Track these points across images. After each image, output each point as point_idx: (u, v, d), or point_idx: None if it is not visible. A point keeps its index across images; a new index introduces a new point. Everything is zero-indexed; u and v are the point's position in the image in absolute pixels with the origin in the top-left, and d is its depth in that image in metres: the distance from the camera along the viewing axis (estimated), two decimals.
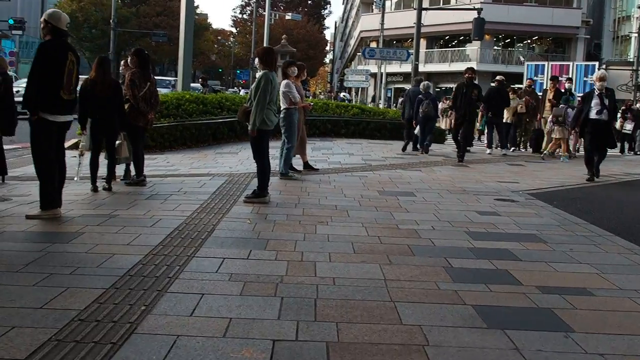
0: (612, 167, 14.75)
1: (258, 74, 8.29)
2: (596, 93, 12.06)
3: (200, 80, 23.24)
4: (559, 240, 6.66)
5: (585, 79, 32.68)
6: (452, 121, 17.82)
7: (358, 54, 54.31)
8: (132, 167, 9.61)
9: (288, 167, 10.50)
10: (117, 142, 9.03)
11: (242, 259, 5.37)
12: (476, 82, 15.19)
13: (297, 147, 11.21)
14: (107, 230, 6.30)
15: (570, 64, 39.58)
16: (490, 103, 16.66)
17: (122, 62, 10.04)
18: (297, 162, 11.53)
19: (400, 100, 26.31)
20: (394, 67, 47.16)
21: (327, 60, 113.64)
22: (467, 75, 14.71)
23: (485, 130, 18.96)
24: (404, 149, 16.31)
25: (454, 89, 15.44)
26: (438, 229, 6.96)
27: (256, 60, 8.19)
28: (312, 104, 11.80)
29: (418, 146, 16.21)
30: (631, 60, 46.23)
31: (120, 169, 9.61)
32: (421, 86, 15.93)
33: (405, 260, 5.56)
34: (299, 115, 10.79)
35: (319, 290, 4.60)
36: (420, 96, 15.62)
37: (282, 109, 10.47)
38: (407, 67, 43.51)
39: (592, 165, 12.19)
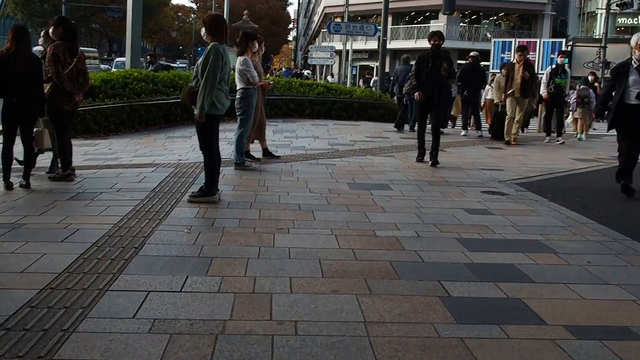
0: (596, 150, 13.68)
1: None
2: (634, 66, 8.25)
3: (148, 57, 21.57)
4: (570, 249, 5.45)
5: (552, 55, 31.60)
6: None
7: (322, 30, 52.71)
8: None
9: (243, 155, 9.13)
10: (36, 129, 7.58)
11: (173, 291, 4.03)
12: (446, 52, 11.12)
13: (255, 131, 9.87)
14: (1, 249, 4.90)
15: (537, 40, 38.58)
16: (465, 81, 15.45)
17: (41, 33, 8.51)
18: (256, 149, 10.19)
19: (370, 80, 25.19)
20: (360, 44, 45.76)
21: (290, 37, 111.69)
22: (432, 41, 10.36)
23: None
24: (398, 127, 16.30)
25: (414, 63, 10.74)
26: (424, 236, 5.70)
27: (202, 30, 6.79)
28: (271, 82, 10.44)
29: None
30: (597, 37, 45.53)
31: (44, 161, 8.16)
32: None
33: (389, 286, 4.28)
34: (258, 96, 9.43)
35: (275, 346, 3.28)
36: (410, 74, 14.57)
37: (238, 88, 9.10)
38: (372, 44, 42.18)
39: (630, 174, 8.52)
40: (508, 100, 13.87)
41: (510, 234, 5.89)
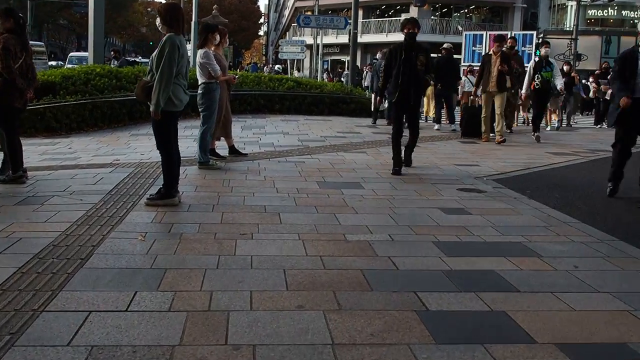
0: (572, 142, 13.41)
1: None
2: None
3: (112, 52, 20.92)
4: (555, 251, 5.09)
5: (523, 48, 31.38)
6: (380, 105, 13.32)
7: (293, 24, 52.18)
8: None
9: (208, 154, 8.66)
10: None
11: (118, 311, 3.57)
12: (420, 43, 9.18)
13: (221, 128, 9.41)
14: None
15: (508, 33, 38.47)
16: (439, 74, 15.07)
17: None
18: (223, 146, 9.73)
19: (342, 73, 24.83)
20: (330, 38, 45.37)
21: (261, 32, 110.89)
22: (406, 30, 8.74)
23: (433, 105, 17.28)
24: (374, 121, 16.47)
25: (385, 55, 9.28)
26: (398, 240, 5.30)
27: (157, 20, 6.31)
28: (236, 76, 9.97)
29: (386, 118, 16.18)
30: (568, 29, 45.63)
31: None
32: None
33: (361, 300, 3.87)
34: (222, 91, 8.96)
35: None
36: None
37: (199, 83, 8.63)
38: (343, 38, 41.78)
39: (620, 175, 7.81)
40: (483, 97, 12.82)
41: (490, 236, 5.52)
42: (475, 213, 6.39)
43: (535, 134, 13.45)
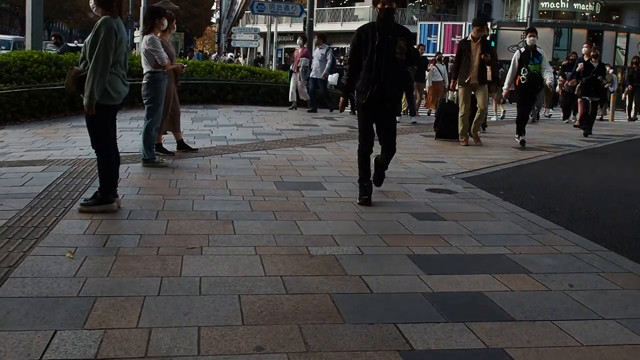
0: (535, 137, 12.98)
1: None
2: None
3: (52, 37, 19.77)
4: (544, 266, 4.52)
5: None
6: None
7: (246, 12, 51.16)
8: None
9: (153, 150, 7.89)
10: None
11: None
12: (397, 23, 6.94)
13: (168, 121, 8.63)
14: None
15: (463, 24, 38.33)
16: None
17: None
18: (171, 140, 8.96)
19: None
20: (285, 27, 44.49)
21: (213, 19, 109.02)
22: (380, 5, 6.20)
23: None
24: (353, 112, 15.97)
25: (353, 39, 6.46)
26: (369, 253, 4.66)
27: (91, 1, 5.52)
28: (185, 65, 9.18)
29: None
30: (521, 21, 45.66)
31: None
32: None
33: (332, 337, 3.21)
34: (169, 81, 8.19)
35: None
36: None
37: (145, 72, 7.84)
38: (298, 27, 40.96)
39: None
40: (460, 91, 10.94)
41: (470, 247, 4.92)
42: (449, 218, 5.79)
43: (520, 137, 11.42)
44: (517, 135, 11.49)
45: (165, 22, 8.00)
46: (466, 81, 10.72)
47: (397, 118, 14.60)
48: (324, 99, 16.65)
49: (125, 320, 3.31)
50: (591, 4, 43.99)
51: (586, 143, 12.30)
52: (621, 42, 41.48)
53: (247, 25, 44.90)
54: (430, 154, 9.90)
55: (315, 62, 16.01)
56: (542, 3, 46.03)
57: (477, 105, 10.96)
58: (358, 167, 6.52)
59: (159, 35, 8.04)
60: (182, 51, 49.08)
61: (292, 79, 16.82)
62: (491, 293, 3.92)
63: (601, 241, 5.27)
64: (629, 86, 20.01)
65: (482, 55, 10.59)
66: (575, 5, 44.98)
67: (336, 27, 45.67)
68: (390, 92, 6.26)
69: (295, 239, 4.92)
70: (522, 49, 11.48)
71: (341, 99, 6.86)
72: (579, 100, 15.04)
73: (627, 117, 20.30)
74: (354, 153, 9.34)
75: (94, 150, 5.67)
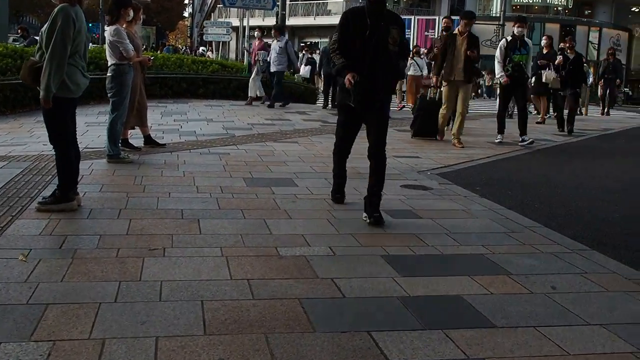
0: (512, 130, 12.83)
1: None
2: None
3: (19, 30, 19.25)
4: (525, 266, 4.33)
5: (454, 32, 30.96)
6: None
7: (219, 5, 50.59)
8: None
9: (118, 145, 7.58)
10: None
11: None
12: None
13: (135, 116, 8.34)
14: None
15: (437, 18, 38.25)
16: None
17: None
18: (139, 135, 8.65)
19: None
20: (257, 21, 44.03)
21: (186, 13, 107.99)
22: None
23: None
24: (325, 106, 16.52)
25: (340, 23, 5.54)
26: (341, 253, 4.44)
27: None
28: (152, 57, 8.86)
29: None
30: (494, 15, 45.77)
31: None
32: None
33: (301, 347, 2.98)
34: (135, 74, 7.88)
35: None
36: None
37: (109, 65, 7.54)
38: (270, 21, 40.60)
39: None
40: (444, 89, 10.22)
41: (447, 246, 4.72)
42: (425, 216, 5.59)
43: (499, 136, 10.91)
44: (498, 135, 10.92)
45: (131, 13, 7.69)
46: (451, 79, 9.99)
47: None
48: (278, 92, 15.60)
49: (77, 330, 3.05)
50: None
51: (562, 138, 12.20)
52: (593, 36, 41.76)
53: (220, 19, 44.35)
54: (404, 148, 9.70)
55: (272, 55, 15.32)
56: None
57: (457, 107, 10.25)
58: (333, 162, 6.07)
59: (124, 26, 7.74)
60: (153, 45, 48.48)
61: (252, 72, 16.18)
62: (470, 297, 3.71)
63: (582, 239, 5.11)
64: (601, 81, 19.88)
65: (468, 52, 9.83)
66: None
67: (309, 21, 45.47)
68: (382, 90, 5.45)
69: (264, 239, 4.68)
70: (509, 38, 10.72)
71: (349, 75, 5.25)
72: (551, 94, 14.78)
73: (601, 111, 20.28)
74: (327, 148, 9.18)
75: (52, 146, 5.38)
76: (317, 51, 29.70)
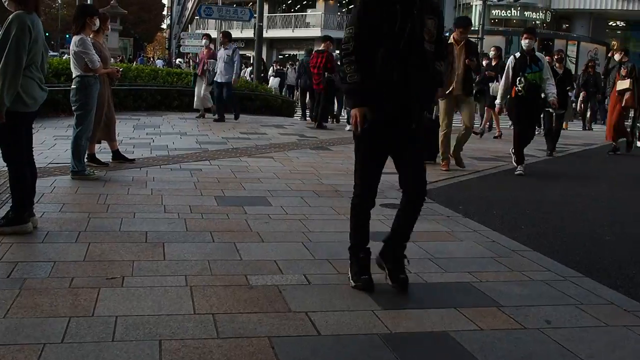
0: (490, 145, 12.59)
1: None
2: None
3: None
4: (515, 297, 4.00)
5: None
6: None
7: (196, 17, 50.27)
8: None
9: (83, 161, 7.18)
10: None
11: None
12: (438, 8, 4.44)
13: (102, 129, 7.95)
14: None
15: None
16: None
17: None
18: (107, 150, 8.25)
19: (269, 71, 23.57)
20: (235, 32, 43.55)
21: (164, 25, 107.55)
22: None
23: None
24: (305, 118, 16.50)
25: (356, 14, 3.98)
26: (317, 282, 4.09)
27: None
28: (121, 69, 8.46)
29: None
30: (473, 29, 45.88)
31: None
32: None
33: None
34: (102, 86, 7.51)
35: None
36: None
37: (74, 77, 7.15)
38: (248, 33, 40.34)
39: None
40: (441, 104, 9.05)
41: (431, 274, 4.39)
42: None
43: (518, 167, 9.30)
44: (516, 166, 9.34)
45: (97, 22, 7.32)
46: (448, 92, 8.80)
47: (349, 127, 14.39)
48: (230, 103, 14.72)
49: None
50: (542, 13, 44.47)
51: (544, 153, 11.95)
52: (571, 50, 41.91)
53: (197, 31, 43.99)
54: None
55: (220, 64, 14.18)
56: (493, 11, 46.36)
57: (463, 122, 9.30)
58: (350, 228, 4.34)
59: (91, 36, 7.38)
60: (130, 57, 47.98)
61: (197, 83, 14.97)
62: (458, 333, 3.38)
63: (573, 265, 4.80)
64: (583, 93, 19.37)
65: (467, 61, 8.89)
66: (526, 13, 45.40)
67: (287, 33, 45.25)
68: (418, 104, 4.01)
69: (233, 266, 4.32)
70: (517, 54, 9.31)
71: (357, 113, 3.91)
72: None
73: (582, 126, 19.97)
74: (303, 164, 8.90)
75: (5, 165, 4.98)
76: (290, 62, 29.53)
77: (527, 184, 8.65)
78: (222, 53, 14.33)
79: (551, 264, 4.76)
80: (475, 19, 46.55)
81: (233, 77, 14.25)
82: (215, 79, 14.27)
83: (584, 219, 6.70)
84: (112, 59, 16.65)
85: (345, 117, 15.35)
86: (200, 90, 14.78)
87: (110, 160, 8.17)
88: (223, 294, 3.77)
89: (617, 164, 11.71)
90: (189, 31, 51.33)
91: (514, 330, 3.48)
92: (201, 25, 47.99)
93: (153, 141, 10.61)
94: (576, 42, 42.76)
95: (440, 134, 9.06)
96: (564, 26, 46.45)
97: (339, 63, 15.79)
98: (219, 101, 14.51)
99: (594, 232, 6.11)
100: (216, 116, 14.44)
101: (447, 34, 21.88)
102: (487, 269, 4.56)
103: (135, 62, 31.03)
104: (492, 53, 15.44)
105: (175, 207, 5.95)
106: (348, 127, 14.42)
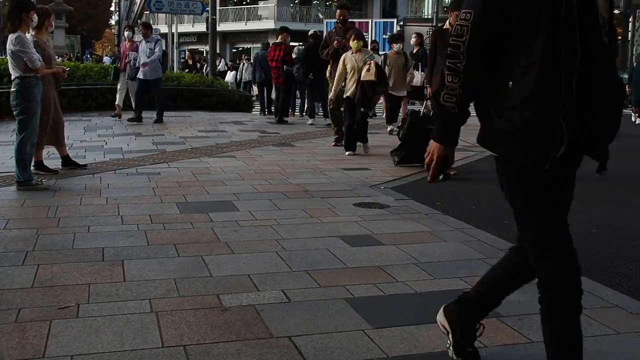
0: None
1: None
2: None
3: None
4: (514, 304, 3.55)
5: (384, 36, 30.68)
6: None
7: (145, 12, 49.15)
8: None
9: (29, 170, 6.64)
10: None
11: None
12: None
13: (49, 134, 7.41)
14: None
15: (369, 21, 38.00)
16: (310, 63, 13.60)
17: None
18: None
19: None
20: (187, 27, 43.00)
21: (112, 21, 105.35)
22: None
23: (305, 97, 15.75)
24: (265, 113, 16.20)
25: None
26: (297, 299, 3.68)
27: None
28: (67, 68, 7.88)
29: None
30: (427, 17, 45.87)
31: None
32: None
33: None
34: (47, 87, 6.97)
35: None
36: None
37: (13, 78, 6.59)
38: (200, 27, 39.61)
39: None
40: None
41: (419, 282, 4.02)
42: (388, 242, 4.89)
43: None
44: None
45: (36, 18, 6.75)
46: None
47: (311, 121, 14.07)
48: (160, 100, 13.40)
49: None
50: None
51: None
52: None
53: None
54: (351, 160, 9.01)
55: (142, 59, 12.77)
56: None
57: None
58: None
59: (32, 33, 6.84)
60: (78, 55, 46.65)
61: (120, 79, 13.61)
62: None
63: None
64: None
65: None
66: None
67: (240, 26, 44.60)
68: (605, 125, 2.40)
69: (203, 284, 3.88)
70: None
71: (437, 149, 2.54)
72: None
73: None
74: (268, 162, 8.49)
75: None
76: (246, 57, 29.04)
77: (495, 175, 8.35)
78: (143, 46, 12.93)
79: None
80: (428, 7, 46.69)
81: (148, 69, 12.83)
82: (138, 76, 12.86)
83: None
84: (59, 58, 15.99)
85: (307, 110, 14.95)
86: (122, 86, 13.52)
87: (60, 166, 7.63)
88: (194, 320, 3.33)
89: None
90: (139, 27, 50.14)
91: (520, 345, 3.14)
92: (151, 20, 46.86)
93: (106, 143, 10.07)
94: None
95: None
96: None
97: (293, 56, 15.35)
98: (138, 99, 13.21)
99: (582, 224, 5.82)
100: (133, 115, 13.15)
101: (401, 26, 20.50)
102: (478, 272, 4.17)
103: (82, 61, 30.02)
104: (413, 40, 14.93)
105: (134, 217, 5.47)
106: (310, 122, 14.03)
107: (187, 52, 28.14)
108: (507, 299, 3.64)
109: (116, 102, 13.64)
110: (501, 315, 3.48)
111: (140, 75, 12.80)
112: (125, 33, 14.20)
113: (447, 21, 8.27)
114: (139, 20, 59.61)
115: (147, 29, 13.43)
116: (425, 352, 3.05)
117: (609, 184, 7.91)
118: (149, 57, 12.69)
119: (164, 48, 13.36)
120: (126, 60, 13.10)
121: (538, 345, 3.08)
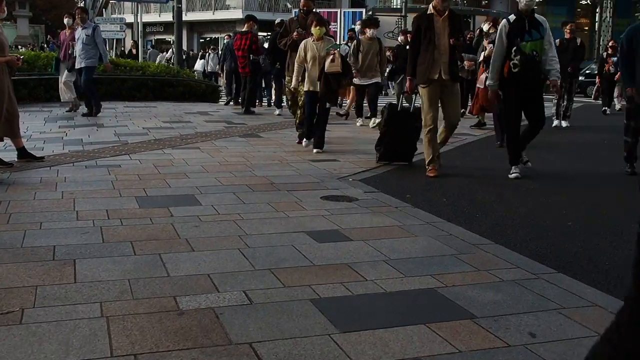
0: None
1: None
2: None
3: None
4: (489, 304, 3.47)
5: (353, 26, 30.39)
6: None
7: (111, 1, 48.29)
8: None
9: None
10: None
11: None
12: None
13: (4, 125, 7.07)
14: None
15: (338, 10, 37.81)
16: (276, 53, 13.32)
17: None
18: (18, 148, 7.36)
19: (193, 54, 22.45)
20: (153, 16, 42.36)
21: None
22: None
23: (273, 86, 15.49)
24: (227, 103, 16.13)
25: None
26: (259, 300, 3.45)
27: None
28: (21, 57, 7.49)
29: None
30: (396, 7, 45.71)
31: None
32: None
33: None
34: (1, 77, 6.64)
35: None
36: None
37: None
38: (167, 16, 38.93)
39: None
40: (423, 92, 7.22)
41: (390, 280, 3.82)
42: (356, 237, 4.68)
43: (513, 170, 7.29)
44: (512, 168, 7.30)
45: None
46: (433, 77, 7.11)
47: (278, 111, 13.73)
48: (87, 93, 12.41)
49: None
50: None
51: (481, 132, 11.59)
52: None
53: (113, 16, 42.19)
54: (319, 152, 8.78)
55: (78, 46, 11.86)
56: None
57: (445, 118, 7.43)
58: None
59: None
60: (43, 45, 45.66)
61: (60, 70, 12.79)
62: (434, 359, 2.82)
63: (542, 259, 4.33)
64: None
65: (451, 40, 7.07)
66: None
67: (208, 16, 44.02)
68: None
69: (159, 285, 3.63)
70: (512, 17, 7.08)
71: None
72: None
73: None
74: (233, 154, 8.24)
75: None
76: (212, 47, 28.64)
77: (471, 165, 8.23)
78: (80, 33, 12.01)
79: (518, 259, 4.28)
80: None
81: (106, 60, 12.42)
82: (76, 66, 12.05)
83: (537, 201, 6.27)
84: (22, 47, 15.46)
85: (274, 100, 14.69)
86: (62, 77, 12.66)
87: (16, 159, 7.30)
88: (147, 325, 3.09)
89: (566, 133, 11.43)
90: (104, 16, 49.23)
91: (497, 349, 2.95)
92: (117, 10, 46.10)
93: (66, 135, 9.72)
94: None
95: (424, 130, 7.29)
96: (483, 2, 46.88)
97: (264, 46, 15.09)
98: (90, 91, 12.39)
99: (554, 219, 5.68)
100: (86, 110, 12.44)
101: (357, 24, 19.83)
102: (451, 269, 4.03)
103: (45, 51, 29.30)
104: (401, 38, 14.88)
105: (90, 212, 5.19)
106: (277, 112, 13.80)
107: (131, 42, 27.45)
108: (479, 297, 3.48)
109: (63, 99, 12.89)
110: (476, 316, 3.30)
111: (79, 64, 11.91)
112: (65, 20, 12.99)
113: (431, 5, 7.22)
114: (104, 10, 58.63)
115: (84, 12, 12.67)
116: (397, 358, 2.84)
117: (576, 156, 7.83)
118: (86, 44, 11.78)
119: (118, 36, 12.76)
120: (69, 51, 12.24)
121: (516, 350, 2.95)
